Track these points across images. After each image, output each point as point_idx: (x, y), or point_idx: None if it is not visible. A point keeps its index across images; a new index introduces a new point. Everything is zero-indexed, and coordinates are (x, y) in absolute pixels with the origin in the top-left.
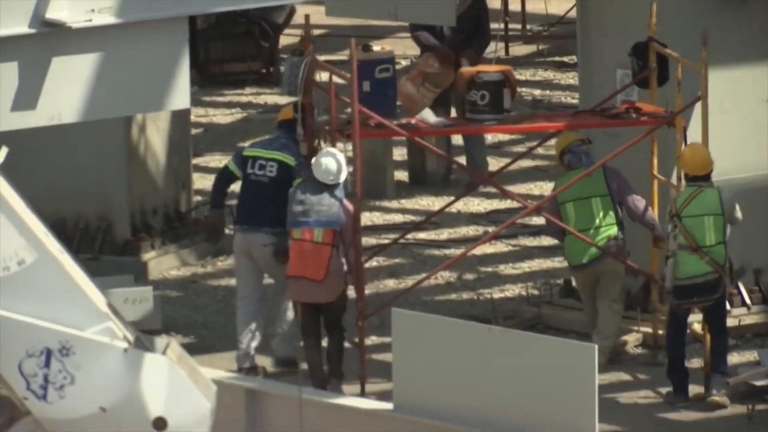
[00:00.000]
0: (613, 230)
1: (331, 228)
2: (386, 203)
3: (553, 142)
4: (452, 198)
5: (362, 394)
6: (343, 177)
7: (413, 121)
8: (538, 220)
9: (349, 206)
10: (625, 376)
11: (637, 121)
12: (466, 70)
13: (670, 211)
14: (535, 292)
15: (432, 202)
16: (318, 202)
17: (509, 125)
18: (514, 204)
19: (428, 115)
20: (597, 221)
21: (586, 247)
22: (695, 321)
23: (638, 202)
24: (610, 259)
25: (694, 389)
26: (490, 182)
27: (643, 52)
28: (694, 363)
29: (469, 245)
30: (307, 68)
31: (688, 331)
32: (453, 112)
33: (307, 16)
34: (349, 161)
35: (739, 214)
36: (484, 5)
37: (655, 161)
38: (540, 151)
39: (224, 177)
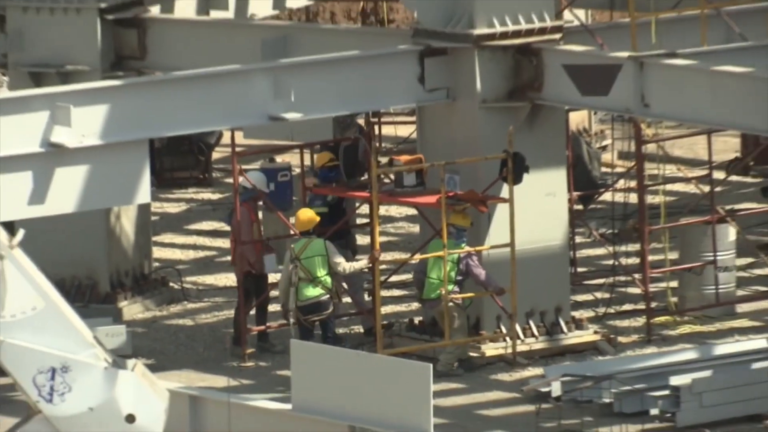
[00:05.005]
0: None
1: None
2: None
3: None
4: None
5: None
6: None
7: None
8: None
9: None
10: (449, 385)
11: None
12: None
13: (291, 256)
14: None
15: None
16: None
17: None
18: None
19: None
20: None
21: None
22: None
23: (473, 269)
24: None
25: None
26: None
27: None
28: None
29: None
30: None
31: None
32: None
33: (232, 135)
34: None
35: (338, 262)
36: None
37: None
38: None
39: None
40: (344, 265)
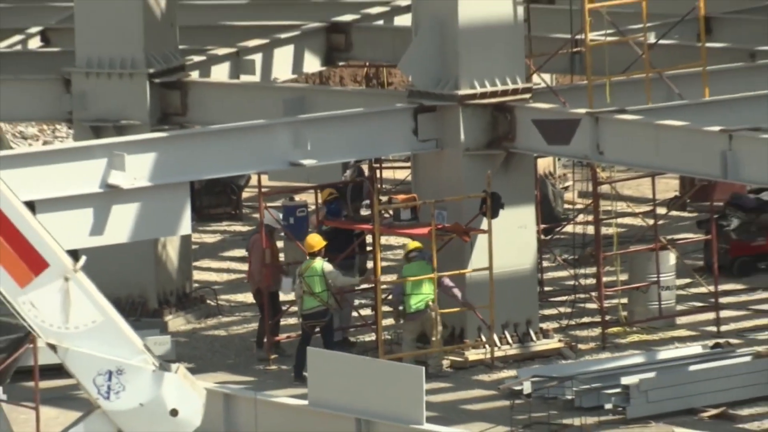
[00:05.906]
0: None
1: None
2: None
3: None
4: None
5: None
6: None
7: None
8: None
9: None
10: (438, 384)
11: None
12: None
13: (299, 272)
14: (389, 337)
15: None
16: None
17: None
18: None
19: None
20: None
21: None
22: None
23: (446, 283)
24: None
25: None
26: None
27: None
28: None
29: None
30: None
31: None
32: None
33: (259, 178)
34: None
35: (334, 276)
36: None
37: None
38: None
39: None
40: (340, 279)
